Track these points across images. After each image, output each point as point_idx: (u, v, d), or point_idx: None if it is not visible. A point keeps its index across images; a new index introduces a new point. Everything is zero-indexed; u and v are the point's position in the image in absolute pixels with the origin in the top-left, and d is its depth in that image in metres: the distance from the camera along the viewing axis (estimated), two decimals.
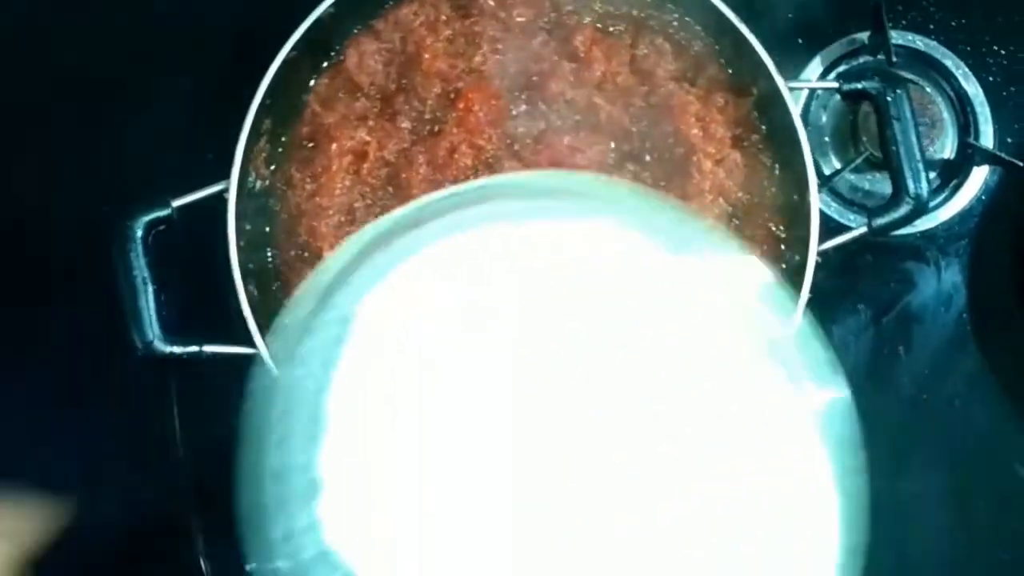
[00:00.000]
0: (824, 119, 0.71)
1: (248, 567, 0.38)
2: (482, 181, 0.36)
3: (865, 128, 0.67)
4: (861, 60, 0.71)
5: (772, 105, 0.59)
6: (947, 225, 0.69)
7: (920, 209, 0.57)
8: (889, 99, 0.57)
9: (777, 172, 0.61)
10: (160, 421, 0.61)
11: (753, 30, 0.59)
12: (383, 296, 0.37)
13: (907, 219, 0.57)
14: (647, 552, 0.30)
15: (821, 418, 0.33)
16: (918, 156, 0.57)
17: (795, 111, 0.58)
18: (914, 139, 0.57)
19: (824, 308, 0.59)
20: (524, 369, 0.33)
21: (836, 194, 0.70)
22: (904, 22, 0.71)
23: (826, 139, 0.71)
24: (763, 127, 0.61)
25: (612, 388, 0.32)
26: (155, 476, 0.64)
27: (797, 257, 0.59)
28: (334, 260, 0.38)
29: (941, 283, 0.71)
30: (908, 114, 0.57)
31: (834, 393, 0.34)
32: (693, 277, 0.34)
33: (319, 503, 0.37)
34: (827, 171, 0.70)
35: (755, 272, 0.35)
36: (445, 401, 0.34)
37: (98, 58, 0.67)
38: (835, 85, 0.60)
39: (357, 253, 0.37)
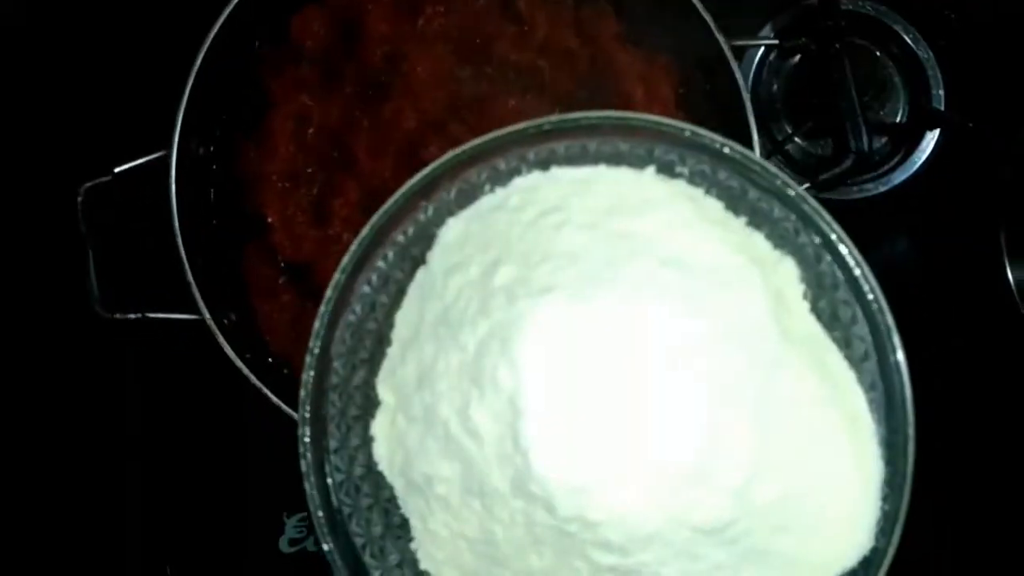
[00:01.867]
0: (775, 87, 0.71)
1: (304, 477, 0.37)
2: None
3: (814, 94, 0.67)
4: (812, 27, 0.71)
5: (716, 65, 0.59)
6: (900, 187, 0.69)
7: (861, 163, 0.57)
8: (828, 54, 0.57)
9: (721, 131, 0.61)
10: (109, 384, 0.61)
11: None
12: (461, 224, 0.38)
13: (849, 173, 0.57)
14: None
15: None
16: (858, 110, 0.57)
17: (736, 69, 0.57)
18: (854, 94, 0.57)
19: None
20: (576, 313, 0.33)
21: (789, 159, 0.70)
22: None
23: (777, 105, 0.71)
24: (707, 86, 0.61)
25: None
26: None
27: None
28: (416, 181, 0.38)
29: (895, 244, 0.71)
30: (847, 69, 0.57)
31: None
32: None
33: (374, 421, 0.37)
34: (779, 137, 0.70)
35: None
36: (509, 321, 0.34)
37: (41, 26, 0.66)
38: (775, 42, 0.60)
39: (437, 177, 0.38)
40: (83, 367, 0.64)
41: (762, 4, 0.71)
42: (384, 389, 0.37)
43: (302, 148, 0.60)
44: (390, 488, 0.37)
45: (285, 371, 0.60)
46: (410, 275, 0.40)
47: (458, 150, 0.38)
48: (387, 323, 0.40)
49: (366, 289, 0.40)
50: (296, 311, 0.60)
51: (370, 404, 0.38)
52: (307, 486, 0.37)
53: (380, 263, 0.40)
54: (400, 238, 0.40)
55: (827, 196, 0.66)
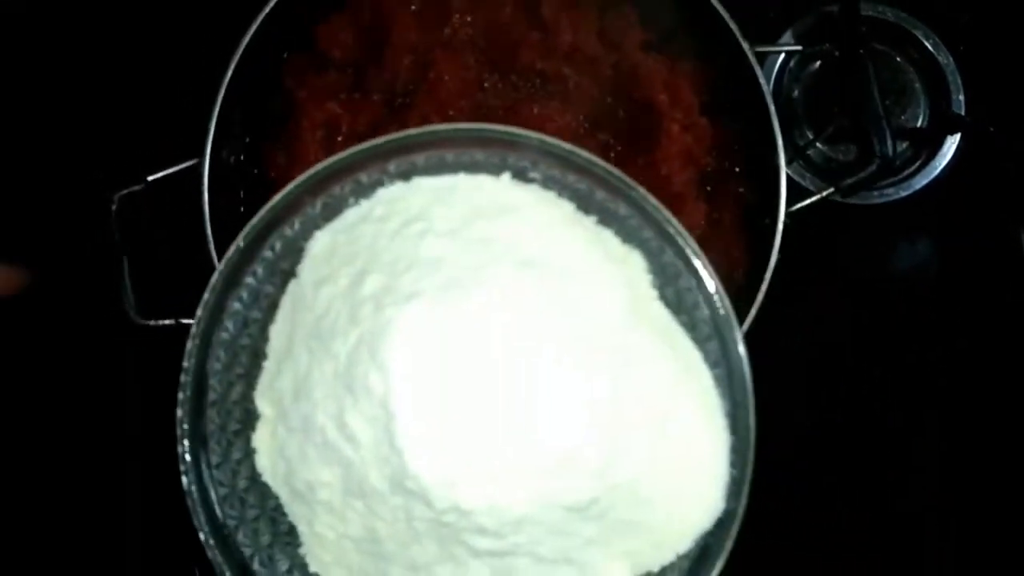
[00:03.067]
0: (797, 92, 0.72)
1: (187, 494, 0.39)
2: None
3: (835, 96, 0.67)
4: (833, 32, 0.72)
5: (739, 71, 0.60)
6: (922, 192, 0.70)
7: (886, 168, 0.57)
8: (852, 61, 0.57)
9: (745, 137, 0.62)
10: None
11: (725, 4, 0.60)
12: (328, 237, 0.38)
13: (874, 178, 0.58)
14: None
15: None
16: (882, 115, 0.57)
17: (760, 75, 0.58)
18: (878, 99, 0.58)
19: (802, 274, 0.59)
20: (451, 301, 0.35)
21: (811, 164, 0.70)
22: None
23: (799, 110, 0.71)
24: (731, 93, 0.62)
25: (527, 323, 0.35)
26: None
27: (767, 220, 0.59)
28: (280, 198, 0.39)
29: (916, 248, 0.71)
30: (871, 74, 0.58)
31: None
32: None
33: (255, 434, 0.39)
34: (801, 142, 0.71)
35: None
36: (377, 328, 0.35)
37: (72, 38, 0.68)
38: (798, 48, 0.61)
39: (300, 193, 0.38)
40: (118, 372, 0.65)
41: (782, 9, 0.72)
42: (263, 402, 0.39)
43: (331, 155, 0.60)
44: (275, 497, 0.39)
45: None
46: (281, 289, 0.41)
47: (319, 166, 0.40)
48: (262, 337, 0.41)
49: (237, 306, 0.41)
50: None
51: (250, 417, 0.39)
52: (189, 503, 0.39)
53: (250, 279, 0.42)
54: (268, 254, 0.41)
55: (849, 201, 0.66)
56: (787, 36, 0.72)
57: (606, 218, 0.39)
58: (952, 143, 0.70)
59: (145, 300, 0.58)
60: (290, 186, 0.40)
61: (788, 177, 0.58)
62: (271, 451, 0.38)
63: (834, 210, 0.66)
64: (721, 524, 0.37)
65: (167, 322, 0.58)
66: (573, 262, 0.37)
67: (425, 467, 0.33)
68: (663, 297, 0.38)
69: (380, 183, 0.40)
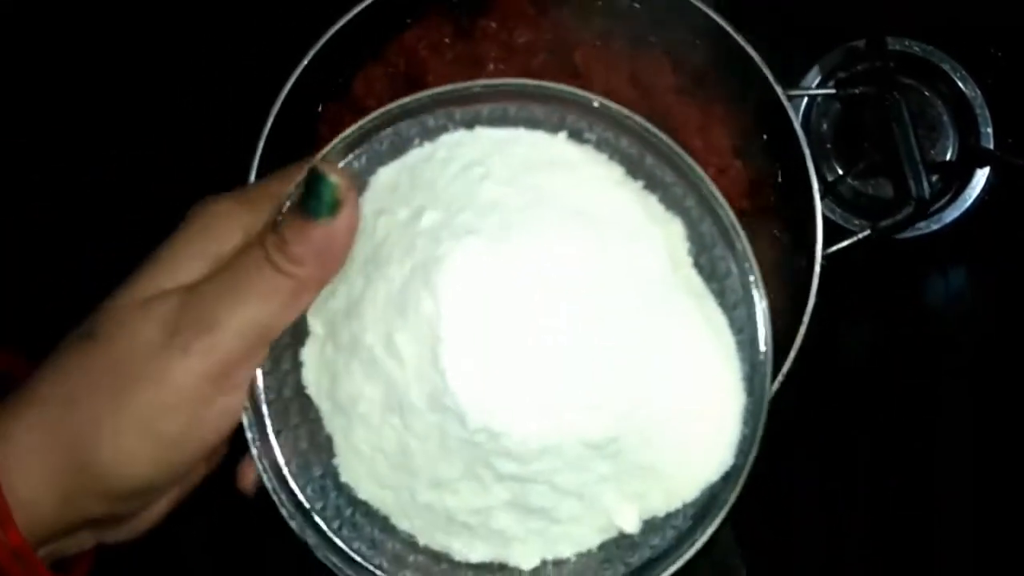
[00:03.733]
0: (825, 126, 0.72)
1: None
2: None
3: (866, 134, 0.68)
4: (860, 67, 0.72)
5: (772, 114, 0.60)
6: (952, 226, 0.70)
7: (922, 210, 0.58)
8: (887, 103, 0.58)
9: (780, 179, 0.62)
10: None
11: (751, 41, 0.60)
12: (392, 172, 0.41)
13: (910, 220, 0.58)
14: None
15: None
16: (918, 158, 0.58)
17: (795, 119, 0.58)
18: (913, 141, 0.58)
19: (833, 311, 0.59)
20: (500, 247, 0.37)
21: (840, 199, 0.71)
22: (901, 28, 0.72)
23: (828, 146, 0.72)
24: (764, 136, 0.62)
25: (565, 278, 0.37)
26: None
27: (804, 262, 0.59)
28: (353, 131, 0.41)
29: (948, 284, 0.72)
30: (906, 117, 0.58)
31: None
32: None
33: (304, 347, 0.40)
34: (830, 177, 0.71)
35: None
36: (432, 257, 0.37)
37: (106, 93, 0.69)
38: (832, 91, 0.61)
39: (371, 128, 0.41)
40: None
41: (807, 45, 0.73)
42: (315, 320, 0.40)
43: None
44: (316, 410, 0.40)
45: None
46: None
47: (391, 105, 0.41)
48: None
49: None
50: None
51: (300, 334, 0.40)
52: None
53: None
54: None
55: None
56: (814, 72, 0.72)
57: (652, 184, 0.41)
58: (982, 176, 0.70)
59: None
60: (362, 121, 0.41)
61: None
62: (318, 366, 0.40)
63: (865, 244, 0.66)
64: (728, 478, 0.39)
65: None
66: (620, 218, 0.39)
67: (463, 387, 0.35)
68: (697, 264, 0.40)
69: (445, 128, 0.41)
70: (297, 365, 0.40)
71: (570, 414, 0.36)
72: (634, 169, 0.41)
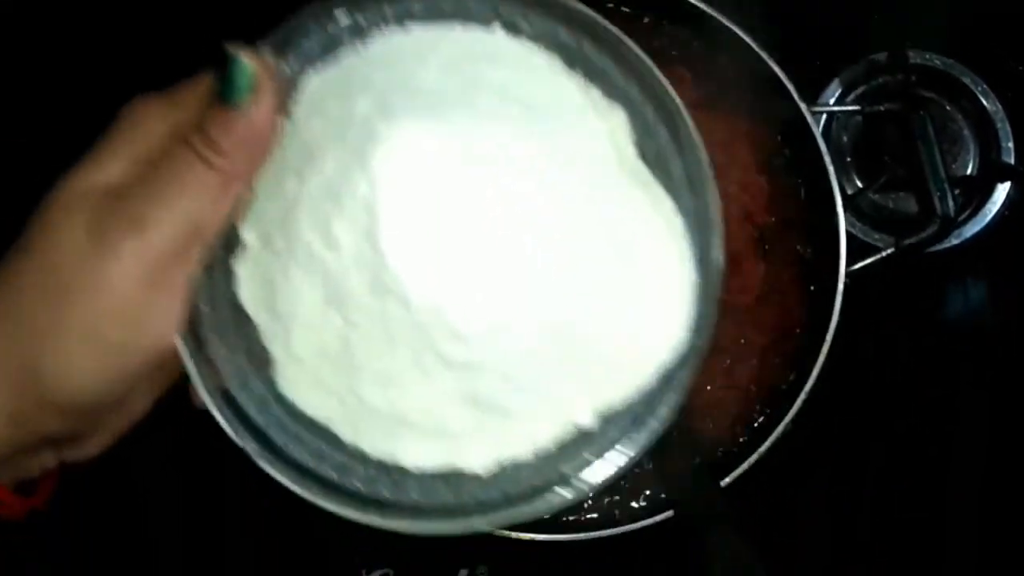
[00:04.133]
0: (845, 139, 0.72)
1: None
2: None
3: (887, 148, 0.67)
4: (880, 80, 0.72)
5: (795, 129, 0.60)
6: (972, 241, 0.70)
7: (947, 228, 0.57)
8: (912, 120, 0.58)
9: (803, 195, 0.62)
10: None
11: (771, 54, 0.60)
12: (322, 76, 0.40)
13: (934, 239, 0.58)
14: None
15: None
16: (943, 176, 0.57)
17: (819, 135, 0.58)
18: (938, 159, 0.58)
19: (851, 325, 0.59)
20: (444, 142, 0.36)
21: (860, 213, 0.70)
22: (921, 41, 0.72)
23: (848, 159, 0.71)
24: (787, 151, 0.62)
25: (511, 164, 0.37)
26: None
27: (826, 278, 0.59)
28: (279, 32, 0.40)
29: (968, 299, 0.71)
30: (931, 134, 0.58)
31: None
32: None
33: (237, 262, 0.39)
34: (850, 191, 0.71)
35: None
36: (366, 139, 0.36)
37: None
38: (857, 108, 0.61)
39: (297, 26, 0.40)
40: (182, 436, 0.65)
41: (827, 57, 0.72)
42: (247, 231, 0.39)
43: None
44: (253, 326, 0.39)
45: None
46: None
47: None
48: None
49: None
50: None
51: (232, 246, 0.39)
52: None
53: None
54: None
55: None
56: (834, 85, 0.72)
57: (592, 73, 0.40)
58: (1003, 191, 0.70)
59: None
60: (288, 21, 0.40)
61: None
62: (253, 277, 0.39)
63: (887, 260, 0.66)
64: (682, 359, 0.39)
65: None
66: (560, 106, 0.39)
67: (404, 265, 0.35)
68: (642, 151, 0.40)
69: (377, 26, 0.40)
70: (230, 279, 0.39)
71: (517, 291, 0.35)
72: (572, 60, 0.40)
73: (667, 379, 0.39)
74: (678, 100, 0.40)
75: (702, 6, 0.60)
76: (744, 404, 0.60)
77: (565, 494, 0.38)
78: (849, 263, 0.58)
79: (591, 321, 0.37)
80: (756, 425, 0.60)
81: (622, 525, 0.56)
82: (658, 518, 0.56)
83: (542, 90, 0.39)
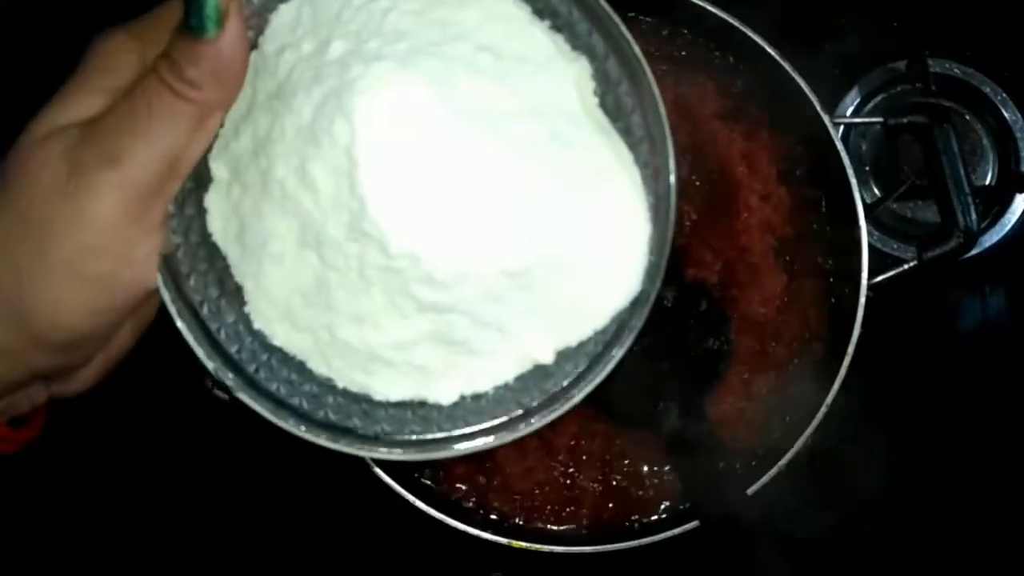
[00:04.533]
0: (864, 147, 0.71)
1: None
2: None
3: (906, 157, 0.67)
4: (899, 88, 0.72)
5: (817, 140, 0.60)
6: (991, 251, 0.69)
7: (970, 242, 0.57)
8: (936, 133, 0.57)
9: (823, 207, 0.61)
10: None
11: (790, 63, 0.60)
12: (294, 8, 0.39)
13: (958, 252, 0.57)
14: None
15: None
16: (966, 189, 0.57)
17: (841, 148, 0.58)
18: (962, 172, 0.57)
19: (869, 335, 0.59)
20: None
21: (878, 223, 0.70)
22: (941, 50, 0.71)
23: (866, 168, 0.71)
24: (808, 162, 0.61)
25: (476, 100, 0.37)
26: None
27: (847, 290, 0.59)
28: None
29: (987, 308, 0.71)
30: (955, 147, 0.57)
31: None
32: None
33: (207, 194, 0.39)
34: (868, 199, 0.70)
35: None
36: (343, 83, 0.36)
37: None
38: (880, 120, 0.60)
39: None
40: (201, 446, 0.65)
41: (846, 65, 0.72)
42: (217, 165, 0.39)
43: None
44: (224, 259, 0.40)
45: None
46: None
47: None
48: None
49: None
50: None
51: (203, 179, 0.39)
52: None
53: None
54: None
55: None
56: (853, 93, 0.72)
57: (559, 24, 0.41)
58: (1021, 201, 0.70)
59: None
60: None
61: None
62: (224, 211, 0.39)
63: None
64: (635, 304, 0.40)
65: None
66: (531, 54, 0.40)
67: (384, 212, 0.35)
68: (603, 103, 0.41)
69: None
70: (201, 212, 0.39)
71: (486, 237, 0.37)
72: (540, 10, 0.41)
73: (621, 323, 0.40)
74: (639, 52, 0.40)
75: (724, 16, 0.59)
76: (764, 416, 0.60)
77: (522, 426, 0.40)
78: (871, 275, 0.58)
79: (554, 267, 0.38)
80: (776, 437, 0.60)
81: (641, 537, 0.56)
82: (677, 531, 0.56)
83: (511, 37, 0.40)
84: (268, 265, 0.38)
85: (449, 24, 0.39)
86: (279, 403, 0.40)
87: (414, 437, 0.41)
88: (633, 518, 0.60)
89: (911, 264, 0.59)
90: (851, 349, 0.57)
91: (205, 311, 0.40)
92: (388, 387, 0.40)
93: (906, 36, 0.72)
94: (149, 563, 0.67)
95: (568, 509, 0.60)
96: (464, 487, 0.61)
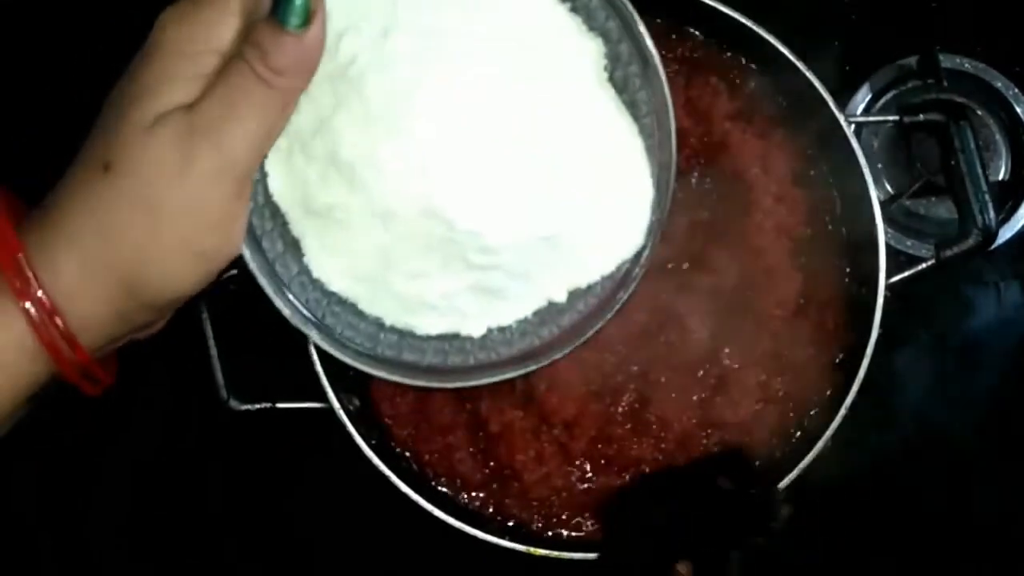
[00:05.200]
0: (876, 144, 0.71)
1: None
2: None
3: (919, 154, 0.67)
4: (910, 85, 0.71)
5: (831, 140, 0.59)
6: (1005, 246, 0.69)
7: (988, 240, 0.57)
8: (953, 131, 0.57)
9: (839, 207, 0.61)
10: None
11: (801, 61, 0.59)
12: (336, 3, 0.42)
13: (975, 250, 0.57)
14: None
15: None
16: (984, 187, 0.57)
17: (857, 147, 0.57)
18: (979, 170, 0.57)
19: (886, 333, 0.59)
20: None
21: (892, 220, 0.70)
22: (952, 45, 0.71)
23: (879, 165, 0.71)
24: (822, 162, 0.61)
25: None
26: None
27: (863, 290, 0.59)
28: None
29: (1002, 304, 0.71)
30: (972, 145, 0.57)
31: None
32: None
33: (267, 160, 0.44)
34: (881, 197, 0.70)
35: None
36: (412, 80, 0.41)
37: None
38: (896, 118, 0.60)
39: None
40: (215, 457, 0.65)
41: (857, 61, 0.71)
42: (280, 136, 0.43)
43: None
44: (282, 216, 0.45)
45: (403, 462, 0.61)
46: None
47: None
48: None
49: None
50: (417, 396, 0.61)
51: None
52: None
53: None
54: None
55: None
56: (864, 90, 0.71)
57: (576, 6, 0.45)
58: None
59: (239, 386, 0.58)
60: None
61: None
62: (285, 176, 0.44)
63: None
64: (637, 256, 0.47)
65: (263, 406, 0.59)
66: (560, 37, 0.45)
67: (452, 197, 0.42)
68: (612, 79, 0.46)
69: None
70: (263, 175, 0.44)
71: (531, 211, 0.43)
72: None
73: (624, 270, 0.47)
74: (649, 38, 0.45)
75: (736, 16, 0.59)
76: (781, 418, 0.59)
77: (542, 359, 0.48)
78: (888, 275, 0.57)
79: (575, 228, 0.45)
80: (794, 440, 0.59)
81: None
82: None
83: (545, 22, 0.45)
84: (332, 227, 0.44)
85: (486, 10, 0.43)
86: (343, 345, 0.47)
87: (457, 363, 0.48)
88: None
89: (928, 263, 0.59)
90: (870, 350, 0.56)
91: (278, 267, 0.45)
92: (429, 325, 0.47)
93: (916, 32, 0.71)
94: (155, 565, 0.67)
95: (587, 515, 0.60)
96: (482, 494, 0.60)
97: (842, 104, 0.67)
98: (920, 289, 0.68)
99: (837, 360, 0.60)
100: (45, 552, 0.67)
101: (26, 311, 0.37)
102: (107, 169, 0.37)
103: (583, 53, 0.45)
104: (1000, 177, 0.70)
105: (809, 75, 0.59)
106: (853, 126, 0.64)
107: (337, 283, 0.46)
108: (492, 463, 0.60)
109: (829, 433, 0.56)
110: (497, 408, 0.59)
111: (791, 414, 0.60)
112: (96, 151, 0.38)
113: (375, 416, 0.61)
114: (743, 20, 0.59)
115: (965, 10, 0.72)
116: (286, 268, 0.45)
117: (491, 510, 0.60)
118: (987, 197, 0.56)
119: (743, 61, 0.62)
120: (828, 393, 0.59)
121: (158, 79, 0.38)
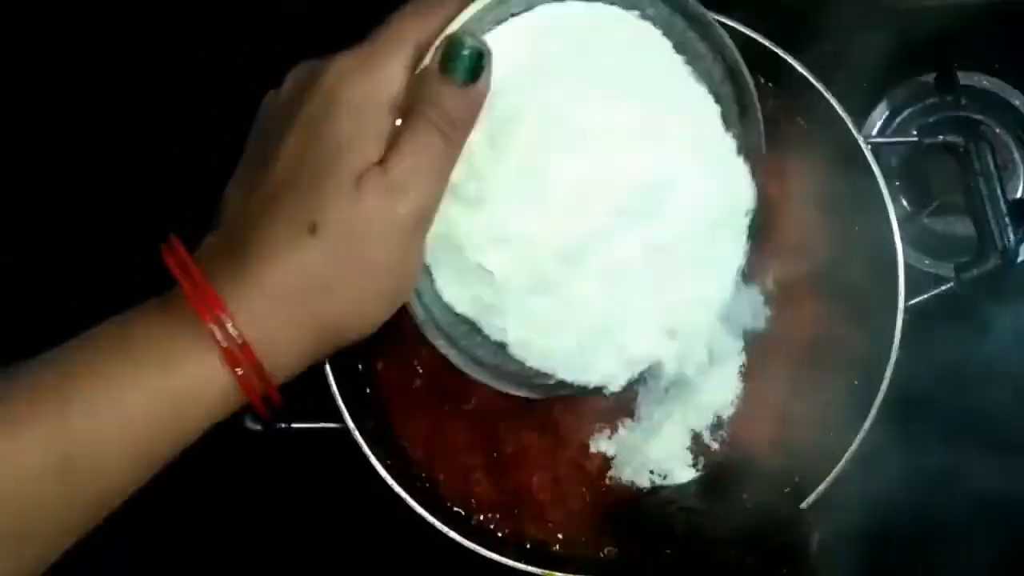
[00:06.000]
0: (894, 163, 0.71)
1: None
2: None
3: (936, 172, 0.67)
4: (927, 102, 0.71)
5: (850, 161, 0.59)
6: (1022, 266, 0.69)
7: (1008, 262, 0.56)
8: (973, 152, 0.57)
9: (857, 228, 0.61)
10: None
11: (817, 78, 0.59)
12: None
13: (995, 273, 0.57)
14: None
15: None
16: (1003, 208, 0.56)
17: (876, 168, 0.57)
18: (999, 192, 0.57)
19: (909, 357, 0.58)
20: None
21: (908, 238, 0.69)
22: (968, 62, 0.71)
23: (896, 183, 0.71)
24: (841, 182, 0.61)
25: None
26: None
27: (883, 312, 0.58)
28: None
29: (1018, 325, 0.70)
30: (991, 166, 0.57)
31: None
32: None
33: None
34: (899, 215, 0.69)
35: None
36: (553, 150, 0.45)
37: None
38: (915, 139, 0.59)
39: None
40: (231, 477, 0.65)
41: (872, 79, 0.71)
42: None
43: None
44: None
45: (419, 483, 0.61)
46: None
47: None
48: None
49: None
50: (433, 417, 0.60)
51: None
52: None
53: None
54: None
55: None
56: (881, 107, 0.71)
57: (691, 59, 0.48)
58: None
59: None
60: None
61: None
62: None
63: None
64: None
65: (279, 426, 0.58)
66: (687, 87, 0.48)
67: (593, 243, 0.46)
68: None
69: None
70: None
71: (637, 201, 0.46)
72: (681, 47, 0.48)
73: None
74: (753, 89, 0.50)
75: (752, 35, 0.59)
76: (802, 442, 0.59)
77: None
78: (908, 296, 0.57)
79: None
80: (814, 462, 0.59)
81: None
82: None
83: (672, 72, 0.48)
84: (470, 269, 0.46)
85: (641, 71, 0.47)
86: (478, 361, 0.50)
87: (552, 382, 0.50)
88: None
89: (948, 286, 0.58)
90: (888, 372, 0.56)
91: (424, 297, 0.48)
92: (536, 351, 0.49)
93: (933, 49, 0.71)
94: None
95: (604, 537, 0.59)
96: (498, 516, 0.60)
97: (859, 122, 0.67)
98: (933, 308, 0.68)
99: (857, 383, 0.59)
100: None
101: (235, 372, 0.39)
102: (314, 230, 0.39)
103: (704, 94, 0.48)
104: (1018, 195, 0.70)
105: (827, 95, 0.58)
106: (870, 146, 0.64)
107: (460, 306, 0.48)
108: (508, 484, 0.60)
109: (847, 456, 0.56)
110: (513, 429, 0.59)
111: (810, 437, 0.59)
112: (299, 212, 0.39)
113: (391, 437, 0.61)
114: (760, 39, 0.59)
115: (982, 27, 0.71)
116: (424, 292, 0.47)
117: (507, 532, 0.60)
118: (1006, 218, 0.56)
119: (761, 81, 0.62)
120: (849, 416, 0.59)
121: (350, 138, 0.40)
